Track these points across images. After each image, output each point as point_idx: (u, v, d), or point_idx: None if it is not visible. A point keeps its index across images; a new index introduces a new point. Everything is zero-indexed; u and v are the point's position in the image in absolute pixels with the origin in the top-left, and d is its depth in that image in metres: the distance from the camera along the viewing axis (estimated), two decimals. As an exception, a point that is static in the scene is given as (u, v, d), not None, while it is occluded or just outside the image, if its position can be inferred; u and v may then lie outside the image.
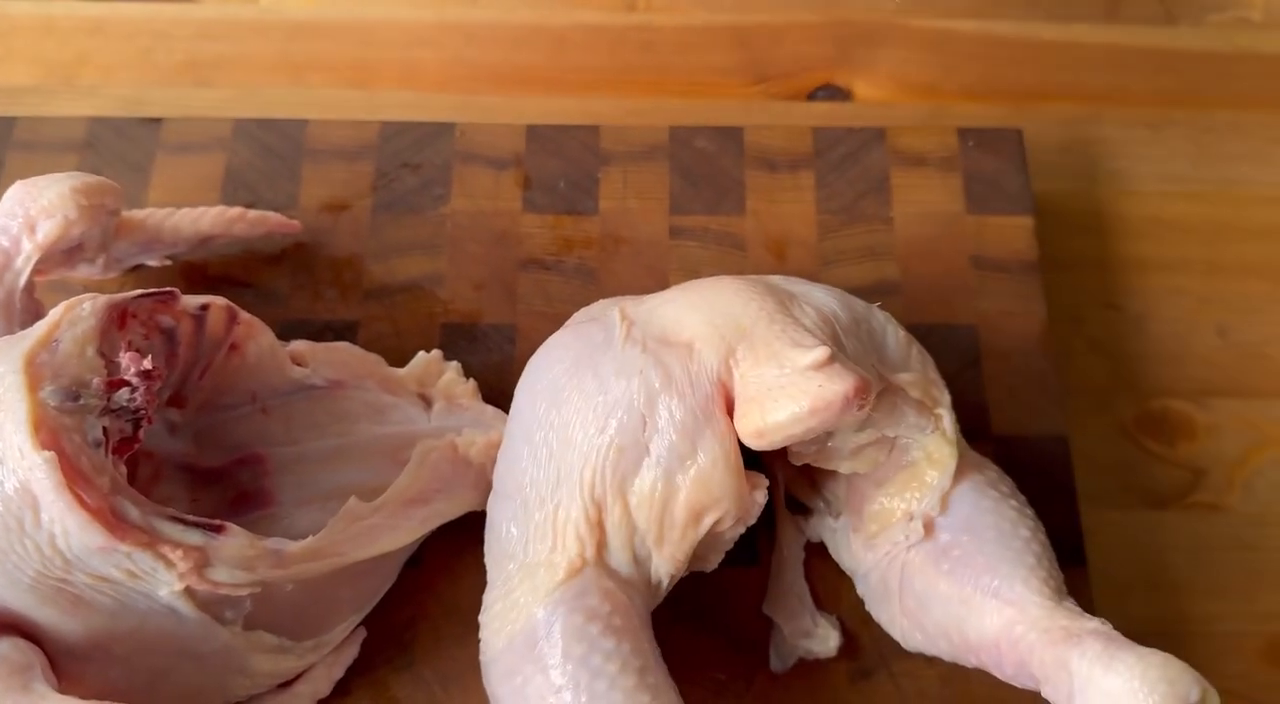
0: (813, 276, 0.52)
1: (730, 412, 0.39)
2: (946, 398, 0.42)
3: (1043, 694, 0.38)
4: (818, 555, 0.47)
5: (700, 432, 0.39)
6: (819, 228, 0.54)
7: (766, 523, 0.47)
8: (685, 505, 0.39)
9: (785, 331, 0.39)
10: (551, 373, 0.41)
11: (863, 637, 0.45)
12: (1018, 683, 0.39)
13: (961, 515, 0.41)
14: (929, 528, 0.41)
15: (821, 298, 0.42)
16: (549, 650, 0.38)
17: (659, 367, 0.39)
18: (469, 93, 0.61)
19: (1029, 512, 0.41)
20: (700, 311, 0.41)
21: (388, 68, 0.61)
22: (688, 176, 0.55)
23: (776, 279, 0.43)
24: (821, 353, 0.38)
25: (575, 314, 0.45)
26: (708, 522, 0.40)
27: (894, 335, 0.43)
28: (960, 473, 0.42)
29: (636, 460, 0.39)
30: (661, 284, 0.52)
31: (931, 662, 0.45)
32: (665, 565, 0.40)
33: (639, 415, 0.39)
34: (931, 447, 0.41)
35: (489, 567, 0.42)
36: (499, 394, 0.50)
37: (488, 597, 0.41)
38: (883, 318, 0.43)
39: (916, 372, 0.42)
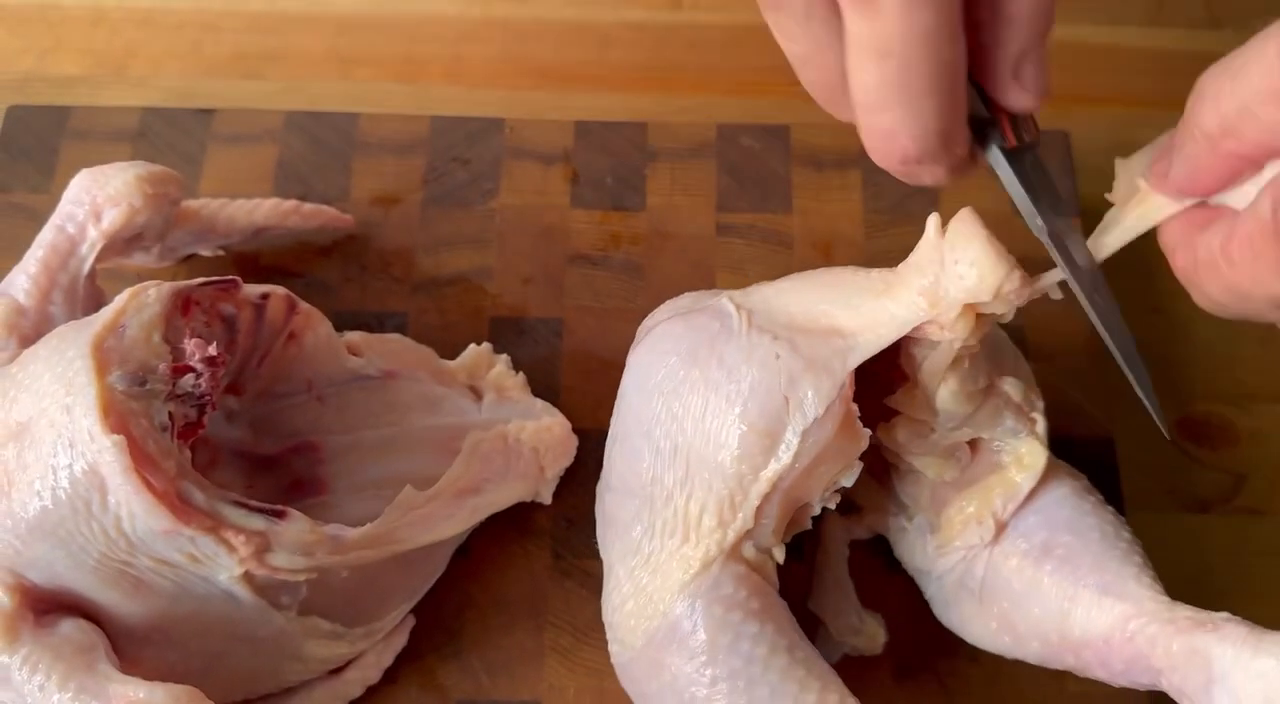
0: (859, 275, 0.53)
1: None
2: (1041, 403, 0.42)
3: (1163, 685, 0.37)
4: (863, 553, 0.47)
5: (840, 405, 0.39)
6: (866, 226, 0.54)
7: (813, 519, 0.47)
8: (820, 478, 0.40)
9: None
10: (666, 366, 0.41)
11: (908, 634, 0.46)
12: (1124, 680, 0.39)
13: (1062, 517, 0.41)
14: (1001, 527, 0.42)
15: None
16: (695, 643, 0.38)
17: (797, 351, 0.39)
18: (515, 89, 0.61)
19: (1124, 520, 0.41)
20: (836, 301, 0.40)
21: (435, 63, 0.62)
22: (735, 174, 0.55)
23: None
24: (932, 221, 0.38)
25: (661, 307, 0.45)
26: (829, 489, 0.40)
27: (994, 331, 0.42)
28: (1057, 478, 0.42)
29: (777, 443, 0.39)
30: (708, 281, 0.53)
31: (977, 660, 0.45)
32: (780, 543, 0.41)
33: (780, 398, 0.39)
34: (1024, 449, 0.41)
35: (611, 564, 0.42)
36: (547, 387, 0.50)
37: (614, 596, 0.42)
38: None
39: (1017, 371, 0.42)
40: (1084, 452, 0.49)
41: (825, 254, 0.53)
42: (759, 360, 0.39)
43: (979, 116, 0.35)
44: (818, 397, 0.38)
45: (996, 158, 0.36)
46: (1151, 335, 0.56)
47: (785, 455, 0.39)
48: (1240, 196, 0.33)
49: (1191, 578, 0.50)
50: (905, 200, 0.54)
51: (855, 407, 0.39)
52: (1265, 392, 0.55)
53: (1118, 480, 0.49)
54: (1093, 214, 0.56)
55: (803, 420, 0.38)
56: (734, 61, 0.62)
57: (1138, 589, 0.38)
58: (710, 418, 0.40)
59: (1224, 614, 0.37)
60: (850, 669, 0.45)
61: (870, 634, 0.45)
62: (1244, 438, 0.54)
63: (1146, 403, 0.38)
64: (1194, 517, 0.52)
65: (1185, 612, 0.38)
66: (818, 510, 0.42)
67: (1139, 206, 0.36)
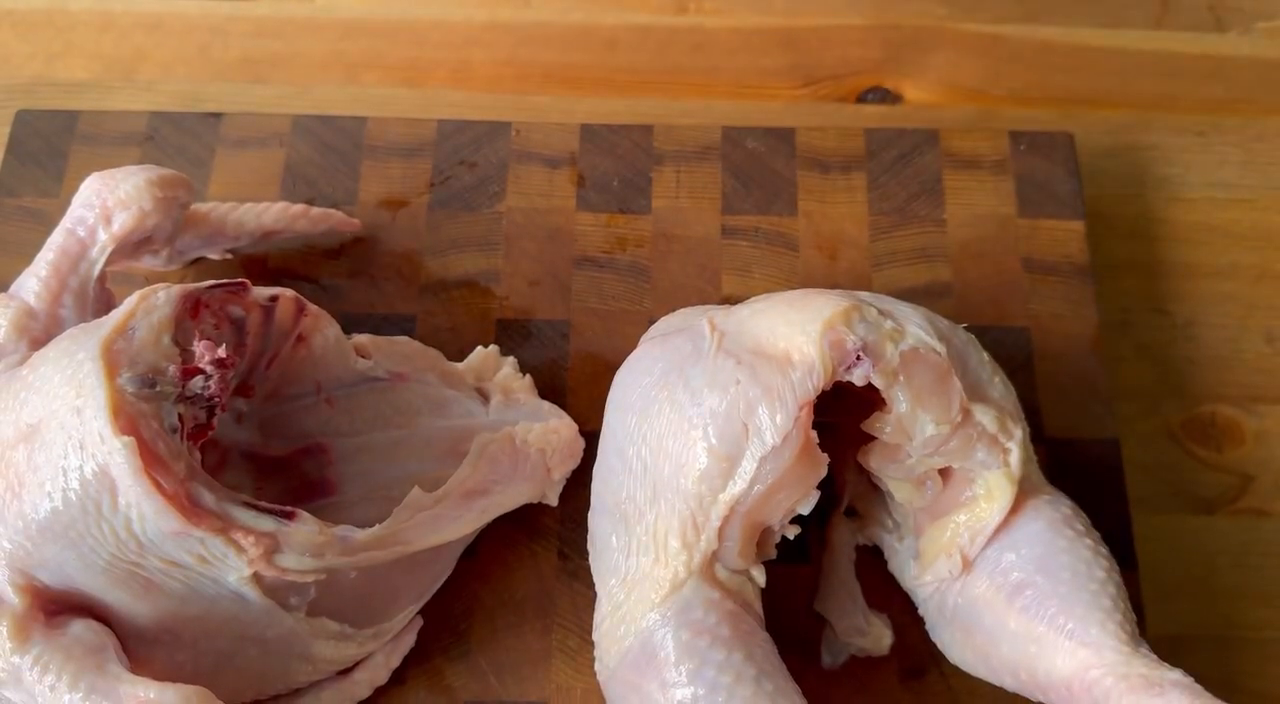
0: (864, 277, 0.53)
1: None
2: (1020, 432, 0.41)
3: None
4: (869, 556, 0.47)
5: (797, 434, 0.39)
6: (871, 229, 0.54)
7: (819, 522, 0.47)
8: (779, 505, 0.40)
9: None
10: (640, 386, 0.42)
11: (914, 635, 0.46)
12: None
13: (1035, 555, 0.40)
14: (966, 564, 0.42)
15: (909, 313, 0.42)
16: (663, 667, 0.38)
17: (756, 378, 0.39)
18: (520, 92, 0.61)
19: (1104, 550, 0.41)
20: (795, 323, 0.40)
21: (440, 67, 0.62)
22: (740, 176, 0.55)
23: (864, 294, 0.43)
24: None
25: (656, 324, 0.45)
26: (788, 516, 0.40)
27: (976, 357, 0.42)
28: (1035, 510, 0.41)
29: (735, 467, 0.39)
30: (713, 283, 0.53)
31: (983, 661, 0.45)
32: (756, 564, 0.41)
33: (739, 424, 0.39)
34: (993, 482, 0.41)
35: (596, 582, 0.43)
36: (553, 389, 0.50)
37: (598, 613, 0.42)
38: (965, 338, 0.43)
39: (995, 401, 0.41)
40: (1089, 453, 0.50)
41: (830, 256, 0.54)
42: (720, 385, 0.40)
43: None
44: (774, 426, 0.39)
45: None
46: (1157, 336, 0.56)
47: (742, 480, 0.39)
48: None
49: (1197, 579, 0.51)
50: (910, 202, 0.55)
51: (814, 434, 0.39)
52: (1271, 393, 0.55)
53: (1123, 481, 0.49)
54: (1093, 217, 0.57)
55: (761, 447, 0.39)
56: (739, 64, 0.62)
57: (1100, 636, 0.38)
58: (673, 439, 0.40)
59: (1176, 674, 0.37)
60: (856, 670, 0.46)
61: (876, 635, 0.45)
62: (1250, 439, 0.54)
63: None
64: (1200, 518, 0.52)
65: (1141, 667, 0.37)
66: (779, 538, 0.42)
67: None
